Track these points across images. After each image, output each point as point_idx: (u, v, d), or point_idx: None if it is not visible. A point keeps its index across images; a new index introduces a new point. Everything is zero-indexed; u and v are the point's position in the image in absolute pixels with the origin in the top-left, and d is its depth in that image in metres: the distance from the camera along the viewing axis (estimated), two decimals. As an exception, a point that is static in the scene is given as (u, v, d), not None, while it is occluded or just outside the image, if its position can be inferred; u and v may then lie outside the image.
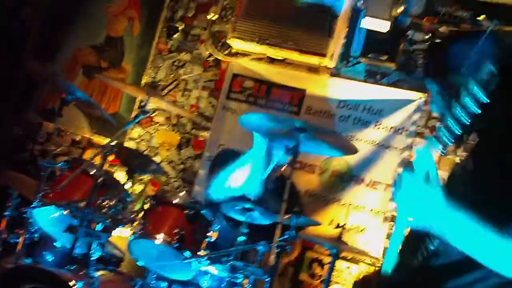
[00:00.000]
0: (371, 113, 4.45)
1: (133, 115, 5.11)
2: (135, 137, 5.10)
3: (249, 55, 4.82)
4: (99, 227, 3.15)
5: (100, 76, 5.27)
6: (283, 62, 4.73)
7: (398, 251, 1.80)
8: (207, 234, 3.17)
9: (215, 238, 3.21)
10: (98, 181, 3.18)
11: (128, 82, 5.17)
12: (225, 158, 3.54)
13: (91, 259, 3.12)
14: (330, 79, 4.59)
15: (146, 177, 4.89)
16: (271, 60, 4.76)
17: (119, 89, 5.22)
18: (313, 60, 4.58)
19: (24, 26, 5.67)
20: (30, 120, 5.52)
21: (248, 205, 3.02)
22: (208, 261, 3.10)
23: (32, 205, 3.25)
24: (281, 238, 2.92)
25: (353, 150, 3.26)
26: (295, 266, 4.41)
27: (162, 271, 3.27)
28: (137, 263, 3.31)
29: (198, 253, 3.11)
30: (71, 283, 2.87)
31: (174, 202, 3.26)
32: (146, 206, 3.28)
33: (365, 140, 4.42)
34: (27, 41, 5.63)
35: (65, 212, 3.18)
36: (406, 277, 1.75)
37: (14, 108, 5.61)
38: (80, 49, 5.52)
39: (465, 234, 1.56)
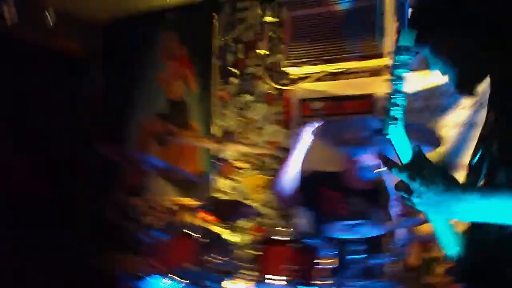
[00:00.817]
0: (447, 96, 4.29)
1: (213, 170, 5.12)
2: (224, 189, 5.08)
3: (309, 76, 4.75)
4: (210, 283, 3.11)
5: (172, 139, 5.31)
6: (344, 73, 4.64)
7: (466, 230, 1.69)
8: (327, 261, 3.07)
9: (334, 264, 3.11)
10: (201, 240, 3.17)
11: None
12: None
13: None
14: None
15: (247, 224, 4.84)
16: (333, 75, 4.67)
17: (195, 148, 5.25)
18: (373, 63, 4.46)
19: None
20: (119, 201, 5.61)
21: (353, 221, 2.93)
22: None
23: (142, 280, 3.25)
24: (396, 244, 2.80)
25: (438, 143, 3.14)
26: (418, 270, 4.23)
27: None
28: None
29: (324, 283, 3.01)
30: None
31: (281, 239, 3.17)
32: (255, 252, 3.22)
33: (450, 124, 4.25)
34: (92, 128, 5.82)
35: (176, 278, 3.16)
36: (484, 252, 1.62)
37: (101, 192, 5.76)
38: (146, 121, 5.62)
39: (497, 208, 1.46)
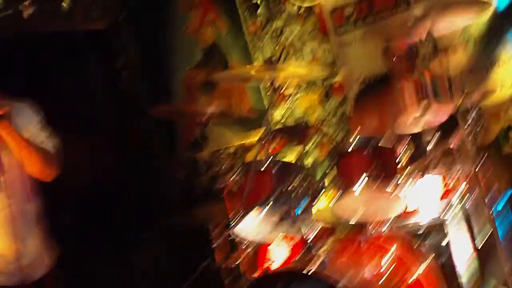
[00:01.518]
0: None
1: (265, 102, 5.14)
2: (279, 119, 5.10)
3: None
4: (299, 208, 3.15)
5: (219, 79, 5.33)
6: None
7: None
8: (397, 159, 3.09)
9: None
10: (274, 172, 3.20)
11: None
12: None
13: (308, 239, 3.15)
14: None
15: (311, 146, 4.87)
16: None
17: (242, 88, 5.26)
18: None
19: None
20: (185, 159, 5.73)
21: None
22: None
23: (231, 225, 3.31)
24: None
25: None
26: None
27: (376, 217, 3.23)
28: (350, 221, 3.29)
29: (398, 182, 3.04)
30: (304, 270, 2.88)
31: (350, 149, 3.18)
32: (328, 169, 3.24)
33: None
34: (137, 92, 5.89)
35: (263, 213, 3.21)
36: None
37: (167, 156, 5.88)
38: (187, 75, 5.64)
39: None
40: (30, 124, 3.34)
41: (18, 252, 3.28)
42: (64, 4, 5.40)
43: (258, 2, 5.10)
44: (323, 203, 3.53)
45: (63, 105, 5.20)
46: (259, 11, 5.11)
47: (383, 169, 3.05)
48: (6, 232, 3.27)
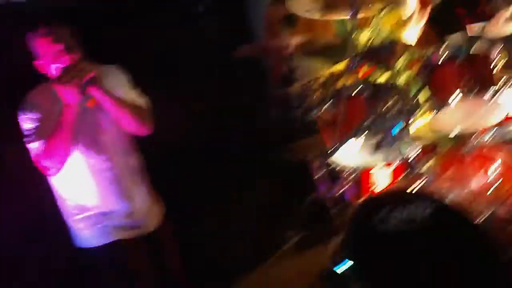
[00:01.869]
0: None
1: (349, 25, 5.00)
2: (366, 39, 4.96)
3: None
4: (396, 129, 3.09)
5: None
6: None
7: None
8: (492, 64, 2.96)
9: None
10: (366, 95, 3.14)
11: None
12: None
13: (411, 158, 3.09)
14: None
15: (402, 64, 4.72)
16: None
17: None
18: None
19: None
20: (277, 95, 5.71)
21: None
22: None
23: (330, 154, 3.30)
24: None
25: None
26: None
27: (477, 126, 3.12)
28: (450, 135, 3.21)
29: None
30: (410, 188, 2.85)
31: (442, 59, 3.06)
32: (421, 83, 3.15)
33: None
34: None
35: (361, 138, 3.17)
36: None
37: (257, 95, 5.89)
38: (267, 9, 5.57)
39: None
40: (120, 84, 3.50)
41: (130, 206, 3.44)
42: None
43: None
44: (420, 121, 3.46)
45: (148, 58, 5.28)
46: None
47: (478, 77, 2.94)
48: (116, 189, 3.43)
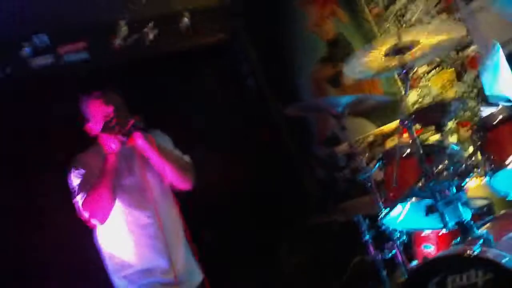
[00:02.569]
0: None
1: (398, 84, 4.97)
2: (415, 100, 4.92)
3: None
4: (452, 191, 2.99)
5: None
6: None
7: None
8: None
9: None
10: (417, 156, 3.06)
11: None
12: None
13: (466, 221, 2.97)
14: None
15: (452, 123, 4.65)
16: None
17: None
18: None
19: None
20: (323, 155, 5.70)
21: None
22: None
23: (382, 215, 3.21)
24: None
25: None
26: None
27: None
28: (508, 198, 3.09)
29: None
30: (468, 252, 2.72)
31: (499, 119, 2.97)
32: (478, 143, 3.06)
33: None
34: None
35: (414, 200, 3.08)
36: None
37: (303, 154, 5.86)
38: (313, 71, 5.60)
39: None
40: (166, 144, 3.62)
41: (172, 262, 3.41)
42: (183, 23, 5.53)
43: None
44: (476, 181, 3.35)
45: (193, 122, 5.34)
46: (373, -6, 4.97)
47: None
48: (160, 244, 3.41)
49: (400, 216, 3.26)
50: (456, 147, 3.23)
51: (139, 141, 3.35)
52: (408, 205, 3.17)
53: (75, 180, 3.42)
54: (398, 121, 4.62)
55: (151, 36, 5.28)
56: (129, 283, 3.46)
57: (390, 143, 5.18)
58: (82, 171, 3.41)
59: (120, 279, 3.48)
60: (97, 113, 3.40)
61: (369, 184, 3.49)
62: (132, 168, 3.48)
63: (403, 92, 3.82)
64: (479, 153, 3.05)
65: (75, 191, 3.39)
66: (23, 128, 4.49)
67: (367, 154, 5.26)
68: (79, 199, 3.35)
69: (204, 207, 4.63)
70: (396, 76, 4.97)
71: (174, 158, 3.49)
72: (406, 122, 3.12)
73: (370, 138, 5.34)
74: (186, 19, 5.57)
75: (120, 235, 3.45)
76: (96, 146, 3.46)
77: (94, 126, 3.43)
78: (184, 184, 3.53)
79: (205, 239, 4.16)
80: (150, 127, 3.55)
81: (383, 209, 3.24)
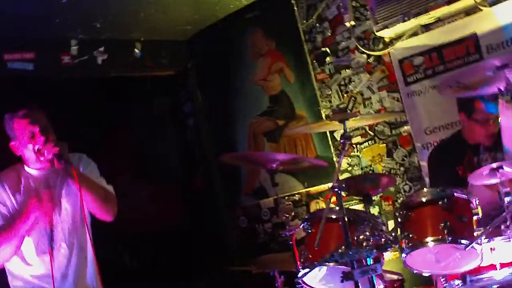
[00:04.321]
0: None
1: (331, 150, 5.12)
2: (345, 167, 5.08)
3: (402, 35, 4.65)
4: (369, 261, 3.10)
5: (286, 131, 5.38)
6: (438, 22, 4.50)
7: None
8: (472, 212, 3.02)
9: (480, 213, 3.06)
10: (345, 220, 3.15)
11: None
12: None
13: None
14: (494, 9, 4.27)
15: (376, 197, 4.81)
16: (426, 27, 4.56)
17: (307, 136, 5.27)
18: (465, 2, 4.30)
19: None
20: (246, 205, 5.76)
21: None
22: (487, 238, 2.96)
23: (300, 275, 3.27)
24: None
25: None
26: None
27: (449, 270, 3.14)
28: (422, 274, 3.22)
29: (474, 234, 2.96)
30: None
31: (423, 200, 3.12)
32: (399, 219, 3.19)
33: None
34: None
35: (331, 265, 3.16)
36: None
37: (230, 203, 5.89)
38: (252, 122, 5.70)
39: None
40: (90, 170, 3.55)
41: None
42: (135, 52, 5.57)
43: (326, 51, 5.12)
44: (393, 254, 3.46)
45: (129, 149, 5.33)
46: (327, 59, 5.13)
47: (458, 221, 2.99)
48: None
49: (316, 277, 3.33)
50: (379, 220, 3.33)
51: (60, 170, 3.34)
52: (325, 268, 3.24)
53: None
54: (325, 185, 4.78)
55: (99, 60, 5.28)
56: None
57: (314, 205, 5.30)
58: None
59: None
60: (22, 133, 3.33)
61: (290, 241, 3.55)
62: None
63: (336, 159, 3.94)
64: (399, 229, 3.17)
65: None
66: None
67: (293, 212, 5.37)
68: None
69: (130, 240, 4.59)
70: (330, 141, 5.13)
71: (96, 188, 3.42)
72: (337, 188, 3.20)
73: (296, 197, 5.45)
74: (137, 50, 5.61)
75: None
76: (17, 165, 3.45)
77: (18, 145, 3.37)
78: (104, 215, 3.47)
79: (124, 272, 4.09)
80: (81, 149, 3.57)
81: (301, 268, 3.30)
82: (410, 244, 3.07)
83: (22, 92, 4.56)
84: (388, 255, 3.56)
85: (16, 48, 4.81)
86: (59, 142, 3.34)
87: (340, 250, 3.09)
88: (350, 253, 3.02)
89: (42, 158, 3.30)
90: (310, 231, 3.43)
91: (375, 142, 4.94)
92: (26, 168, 3.43)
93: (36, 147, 3.29)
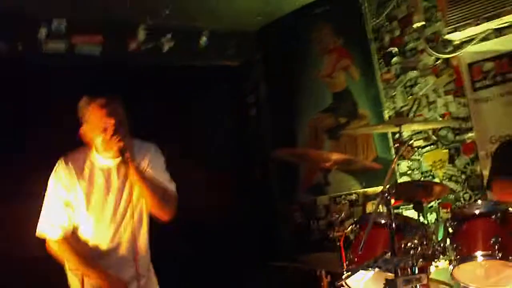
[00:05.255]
0: None
1: (391, 152, 5.02)
2: (405, 170, 4.97)
3: (473, 38, 4.49)
4: (414, 271, 3.02)
5: (345, 131, 5.31)
6: (510, 27, 4.33)
7: None
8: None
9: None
10: (393, 227, 3.08)
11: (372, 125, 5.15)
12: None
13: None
14: None
15: (434, 203, 4.70)
16: (498, 31, 4.38)
17: (368, 135, 5.19)
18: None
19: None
20: (303, 201, 5.72)
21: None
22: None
23: (343, 277, 3.23)
24: None
25: None
26: None
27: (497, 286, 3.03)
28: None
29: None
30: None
31: (476, 212, 3.02)
32: (450, 230, 3.09)
33: None
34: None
35: (376, 270, 3.10)
36: None
37: (286, 198, 5.87)
38: (314, 118, 5.65)
39: None
40: (156, 164, 3.49)
41: None
42: (202, 41, 5.59)
43: (394, 51, 5.02)
44: (442, 264, 3.36)
45: (189, 137, 5.36)
46: (394, 60, 5.03)
47: (511, 237, 2.87)
48: None
49: (361, 281, 3.28)
50: (429, 228, 3.25)
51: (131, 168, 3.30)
52: (370, 272, 3.18)
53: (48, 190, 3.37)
54: (383, 186, 4.68)
55: (166, 47, 5.33)
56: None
57: (370, 207, 5.22)
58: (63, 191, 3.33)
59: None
60: (96, 121, 3.24)
61: (338, 242, 3.51)
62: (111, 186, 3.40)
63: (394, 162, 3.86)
64: (448, 240, 3.08)
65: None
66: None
67: (344, 212, 5.29)
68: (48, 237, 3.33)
69: (186, 232, 4.64)
70: (391, 143, 5.03)
71: (154, 187, 3.36)
72: (386, 194, 3.12)
73: (353, 197, 5.37)
74: (204, 38, 5.63)
75: None
76: (85, 148, 3.39)
77: (89, 132, 3.31)
78: (160, 214, 3.42)
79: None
80: (149, 137, 3.52)
81: (345, 271, 3.26)
82: (458, 256, 2.98)
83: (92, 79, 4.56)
84: (439, 265, 3.43)
85: (83, 30, 4.86)
86: (128, 137, 3.30)
87: (385, 256, 3.03)
88: (395, 260, 2.95)
89: (109, 149, 3.27)
90: (358, 233, 3.39)
91: (437, 147, 4.80)
92: (94, 154, 3.37)
93: (106, 138, 3.23)
